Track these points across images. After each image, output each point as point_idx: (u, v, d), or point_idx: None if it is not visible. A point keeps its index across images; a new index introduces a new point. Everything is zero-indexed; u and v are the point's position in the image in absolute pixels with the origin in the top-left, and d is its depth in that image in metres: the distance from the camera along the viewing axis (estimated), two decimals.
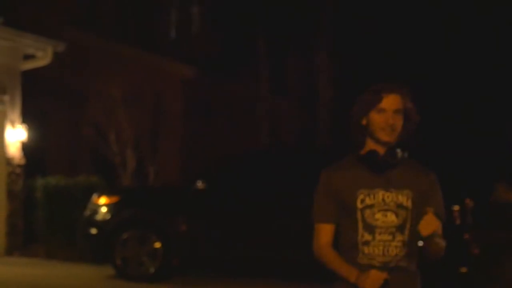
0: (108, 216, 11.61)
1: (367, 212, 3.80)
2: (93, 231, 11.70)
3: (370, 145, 3.86)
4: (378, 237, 3.79)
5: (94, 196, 11.98)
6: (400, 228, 3.80)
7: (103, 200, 11.76)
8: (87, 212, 11.89)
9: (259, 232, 11.05)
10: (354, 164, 3.90)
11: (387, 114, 3.79)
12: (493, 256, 11.29)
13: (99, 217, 11.68)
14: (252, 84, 24.47)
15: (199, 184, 11.45)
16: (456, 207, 10.65)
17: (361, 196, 3.81)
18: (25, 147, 14.66)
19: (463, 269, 10.61)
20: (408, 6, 25.61)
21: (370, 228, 3.79)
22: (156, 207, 11.65)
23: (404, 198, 3.80)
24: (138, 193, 12.77)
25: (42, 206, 14.73)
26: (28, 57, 14.75)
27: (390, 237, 3.78)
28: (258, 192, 11.27)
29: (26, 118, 14.71)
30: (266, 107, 24.91)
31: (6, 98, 14.21)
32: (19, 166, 14.44)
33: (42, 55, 14.74)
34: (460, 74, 25.64)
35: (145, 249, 11.35)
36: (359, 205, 3.81)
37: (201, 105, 22.35)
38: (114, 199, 11.79)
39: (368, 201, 3.81)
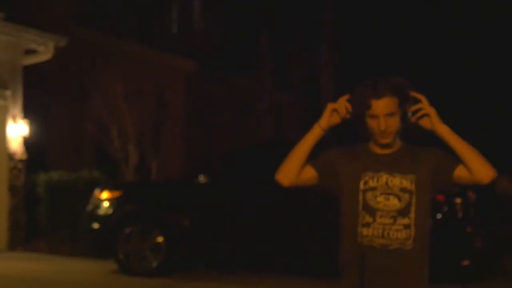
0: (111, 211, 11.61)
1: (369, 194, 3.84)
2: (96, 226, 11.70)
3: (374, 141, 3.92)
4: (378, 219, 3.82)
5: (97, 191, 11.98)
6: (402, 212, 3.81)
7: (105, 195, 11.76)
8: (90, 207, 11.89)
9: (262, 226, 11.04)
10: (359, 149, 3.96)
11: (379, 120, 3.79)
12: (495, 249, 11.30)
13: (101, 212, 11.68)
14: (255, 78, 24.48)
15: (202, 179, 11.44)
16: (458, 200, 10.66)
17: (365, 178, 3.86)
18: (27, 142, 14.66)
19: (466, 262, 10.60)
20: (411, 0, 25.58)
21: (371, 211, 3.83)
22: (159, 202, 11.64)
23: (408, 182, 3.82)
24: (141, 188, 12.76)
25: (45, 201, 14.75)
26: (29, 52, 14.75)
27: (391, 221, 3.80)
28: (261, 187, 11.26)
29: (28, 113, 14.71)
30: (268, 101, 24.92)
31: (8, 93, 14.21)
32: (21, 161, 14.44)
33: (44, 50, 14.74)
34: (464, 66, 25.60)
35: (148, 243, 11.34)
36: (361, 187, 3.86)
37: (203, 100, 22.37)
38: (117, 194, 11.79)
39: (371, 183, 3.85)
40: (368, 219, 3.83)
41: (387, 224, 3.81)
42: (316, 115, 4.10)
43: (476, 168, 3.83)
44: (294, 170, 3.97)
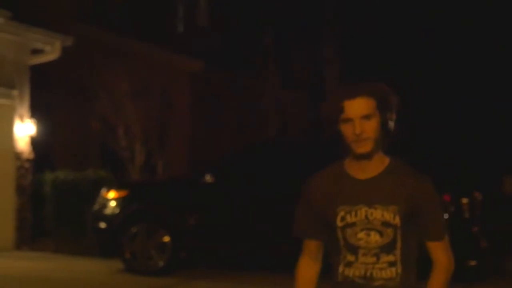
0: (117, 210, 11.63)
1: (348, 231, 3.38)
2: (102, 225, 11.73)
3: (351, 159, 3.43)
4: (361, 258, 3.38)
5: (103, 190, 12.00)
6: (386, 248, 3.35)
7: (111, 194, 11.78)
8: (96, 206, 11.92)
9: (268, 225, 11.05)
10: (336, 175, 3.47)
11: (353, 123, 3.28)
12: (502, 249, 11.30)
13: (107, 211, 11.71)
14: (260, 77, 24.48)
15: (208, 178, 11.45)
16: (465, 200, 10.66)
17: (341, 213, 3.39)
18: (34, 142, 14.69)
19: (472, 262, 10.60)
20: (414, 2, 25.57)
21: (353, 249, 3.39)
22: (165, 201, 11.65)
23: (390, 215, 3.35)
24: (147, 187, 12.78)
25: (51, 200, 14.76)
26: (36, 51, 14.78)
27: (373, 259, 3.36)
28: (267, 185, 11.27)
29: (35, 112, 14.73)
30: (273, 100, 24.92)
31: (15, 92, 14.24)
32: (28, 160, 14.47)
33: (50, 50, 14.77)
34: (468, 68, 25.58)
35: (154, 243, 11.36)
36: (339, 223, 3.39)
37: (208, 98, 22.38)
38: (123, 193, 11.81)
39: (349, 219, 3.38)
40: (350, 257, 3.40)
41: (370, 263, 3.37)
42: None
43: None
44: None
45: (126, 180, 15.55)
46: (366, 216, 3.36)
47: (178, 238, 11.32)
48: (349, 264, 3.40)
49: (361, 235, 3.36)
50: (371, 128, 3.29)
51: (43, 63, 14.93)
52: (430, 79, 25.72)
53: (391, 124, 3.38)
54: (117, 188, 12.04)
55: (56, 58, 14.88)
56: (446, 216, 10.65)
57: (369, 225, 3.35)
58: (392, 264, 3.37)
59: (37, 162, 14.82)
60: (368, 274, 3.35)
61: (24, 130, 14.37)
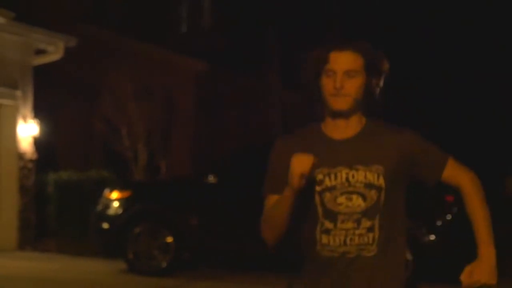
0: (120, 211, 11.63)
1: (327, 195, 3.11)
2: (105, 225, 11.73)
3: (329, 120, 3.19)
4: (340, 225, 3.10)
5: (106, 191, 12.00)
6: (368, 212, 3.09)
7: (115, 194, 11.78)
8: (99, 207, 11.92)
9: None
10: (312, 136, 3.22)
11: (335, 76, 3.07)
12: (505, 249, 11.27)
13: (111, 211, 11.71)
14: (263, 77, 24.46)
15: (211, 178, 11.45)
16: None
17: (319, 176, 3.11)
18: (37, 142, 14.69)
19: None
20: (417, 2, 25.57)
21: (332, 215, 3.11)
22: (168, 201, 11.66)
23: (374, 176, 3.10)
24: (150, 188, 12.79)
25: (54, 201, 14.79)
26: (39, 52, 14.78)
27: (354, 225, 3.09)
28: None
29: (38, 113, 14.74)
30: (277, 100, 24.90)
31: (18, 93, 14.24)
32: (31, 161, 14.47)
33: (54, 50, 14.77)
34: (471, 70, 25.57)
35: (157, 243, 11.36)
36: (317, 188, 3.12)
37: (212, 99, 22.37)
38: (126, 193, 11.81)
39: (327, 182, 3.11)
40: (328, 225, 3.12)
41: (350, 229, 3.10)
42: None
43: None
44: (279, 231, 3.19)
45: (129, 180, 15.55)
46: (347, 179, 3.11)
47: (181, 239, 11.32)
48: (327, 231, 3.12)
49: (341, 199, 3.10)
50: (353, 85, 3.09)
51: (46, 63, 14.93)
52: (434, 80, 25.72)
53: (376, 89, 3.18)
54: (120, 188, 12.04)
55: (59, 59, 14.88)
56: (449, 216, 10.65)
57: (351, 188, 3.10)
58: (370, 229, 3.11)
59: (40, 163, 14.82)
60: (348, 240, 3.09)
61: (27, 131, 14.37)
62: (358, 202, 3.09)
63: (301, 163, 2.95)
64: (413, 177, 3.22)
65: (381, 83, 3.19)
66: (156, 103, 16.76)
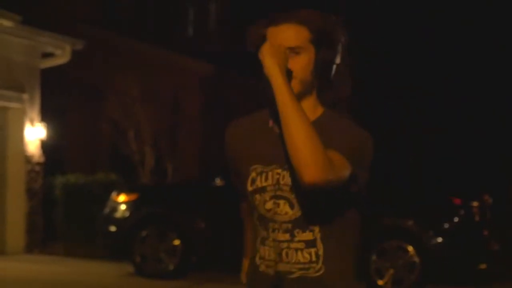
0: (127, 214, 11.64)
1: (257, 198, 2.61)
2: (112, 228, 11.74)
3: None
4: (271, 234, 2.59)
5: (113, 194, 12.01)
6: (299, 222, 2.55)
7: (122, 197, 11.79)
8: (106, 210, 11.93)
9: None
10: (257, 125, 2.74)
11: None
12: None
13: (118, 214, 11.72)
14: None
15: (218, 181, 11.45)
16: (475, 204, 10.64)
17: (252, 175, 2.63)
18: (44, 145, 14.71)
19: (483, 265, 10.58)
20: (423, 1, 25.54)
21: (264, 222, 2.61)
22: (175, 204, 11.66)
23: None
24: (157, 191, 12.79)
25: (61, 204, 14.80)
26: (46, 55, 14.80)
27: (286, 236, 2.56)
28: None
29: (45, 116, 14.75)
30: None
31: (25, 96, 14.26)
32: (38, 164, 14.49)
33: (61, 53, 14.78)
34: (479, 73, 25.53)
35: (164, 246, 11.36)
36: (249, 187, 2.64)
37: (219, 102, 22.36)
38: (133, 196, 11.82)
39: (259, 182, 2.60)
40: (263, 232, 2.62)
41: (283, 241, 2.57)
42: None
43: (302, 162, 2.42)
44: None
45: (136, 183, 15.57)
46: (277, 180, 2.57)
47: (188, 242, 11.32)
48: (263, 241, 2.64)
49: (269, 204, 2.58)
50: (298, 64, 2.54)
51: (53, 66, 14.95)
52: (441, 83, 25.68)
53: (330, 66, 2.59)
54: (127, 191, 12.05)
55: (66, 62, 14.90)
56: (456, 219, 10.63)
57: (279, 192, 2.56)
58: (310, 243, 2.56)
59: (48, 166, 14.84)
60: (284, 255, 2.57)
61: (35, 134, 14.38)
62: (285, 209, 2.56)
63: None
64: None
65: (337, 58, 2.61)
66: (163, 106, 16.77)
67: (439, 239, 10.49)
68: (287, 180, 2.54)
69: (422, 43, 25.58)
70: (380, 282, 10.37)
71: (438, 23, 25.71)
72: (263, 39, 2.56)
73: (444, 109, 25.53)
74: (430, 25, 25.61)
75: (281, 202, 2.55)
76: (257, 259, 2.67)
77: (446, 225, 10.63)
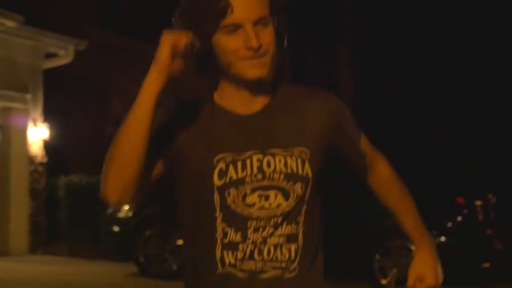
0: (131, 214, 11.64)
1: (232, 193, 2.16)
2: (116, 228, 11.74)
3: (228, 88, 2.25)
4: (251, 235, 2.16)
5: None
6: (290, 215, 2.18)
7: None
8: (110, 210, 11.93)
9: None
10: (206, 110, 2.29)
11: (245, 32, 2.11)
12: None
13: (121, 214, 11.72)
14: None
15: None
16: (479, 203, 10.63)
17: (220, 166, 2.17)
18: (48, 146, 14.72)
19: (486, 264, 10.58)
20: (430, 3, 25.53)
21: (239, 222, 2.16)
22: None
23: (297, 162, 2.18)
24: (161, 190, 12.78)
25: (65, 204, 14.82)
26: (49, 55, 14.83)
27: (270, 231, 2.16)
28: None
29: (48, 116, 14.77)
30: None
31: (28, 96, 14.28)
32: (41, 164, 14.50)
33: (64, 54, 14.81)
34: (483, 72, 25.51)
35: (168, 246, 11.36)
36: (216, 181, 2.17)
37: None
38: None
39: (233, 174, 2.17)
40: (234, 236, 2.17)
41: (262, 237, 2.16)
42: None
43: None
44: (132, 170, 2.29)
45: None
46: (260, 168, 2.17)
47: None
48: (233, 247, 2.17)
49: (252, 198, 2.16)
50: (269, 38, 2.16)
51: (56, 67, 14.97)
52: (444, 82, 25.66)
53: (285, 35, 2.28)
54: None
55: (69, 62, 14.92)
56: (460, 218, 10.63)
57: (266, 182, 2.16)
58: (291, 238, 2.19)
59: (51, 166, 14.86)
60: (256, 252, 2.16)
61: (38, 134, 14.40)
62: (278, 201, 2.17)
63: (174, 34, 2.19)
64: (329, 158, 2.29)
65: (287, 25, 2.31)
66: (166, 106, 16.76)
67: (443, 238, 10.48)
68: (276, 166, 2.17)
69: (422, 43, 25.57)
70: (383, 282, 10.37)
71: (438, 23, 25.69)
72: (221, 12, 2.09)
73: (446, 108, 25.52)
74: (430, 25, 25.59)
75: (271, 193, 2.16)
76: (218, 269, 2.20)
77: (450, 224, 10.63)
